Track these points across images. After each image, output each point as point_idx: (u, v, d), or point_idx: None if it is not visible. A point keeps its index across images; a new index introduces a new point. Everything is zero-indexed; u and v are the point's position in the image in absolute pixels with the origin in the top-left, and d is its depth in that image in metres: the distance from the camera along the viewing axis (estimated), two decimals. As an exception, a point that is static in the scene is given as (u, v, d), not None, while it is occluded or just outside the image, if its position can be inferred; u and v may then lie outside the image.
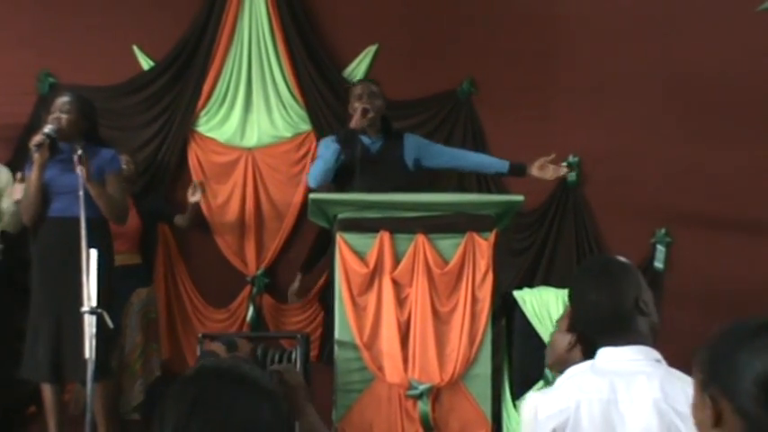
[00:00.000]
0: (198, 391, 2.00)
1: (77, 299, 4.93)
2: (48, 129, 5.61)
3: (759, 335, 1.89)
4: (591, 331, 2.97)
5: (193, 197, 6.82)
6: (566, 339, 3.34)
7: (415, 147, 6.21)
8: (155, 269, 6.89)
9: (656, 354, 2.92)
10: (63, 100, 5.75)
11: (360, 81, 6.56)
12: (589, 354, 3.19)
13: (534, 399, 3.26)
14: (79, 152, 5.42)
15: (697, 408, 1.96)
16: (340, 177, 6.10)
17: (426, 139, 6.43)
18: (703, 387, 1.92)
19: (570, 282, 3.18)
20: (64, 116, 5.66)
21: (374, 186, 5.82)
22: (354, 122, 6.03)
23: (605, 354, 2.92)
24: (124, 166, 6.30)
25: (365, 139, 6.12)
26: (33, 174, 5.64)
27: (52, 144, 5.56)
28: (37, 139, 5.58)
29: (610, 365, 2.90)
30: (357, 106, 6.08)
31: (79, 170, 5.39)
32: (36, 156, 5.57)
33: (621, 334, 2.92)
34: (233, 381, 2.03)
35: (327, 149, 6.06)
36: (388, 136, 6.20)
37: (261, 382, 2.06)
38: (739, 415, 1.85)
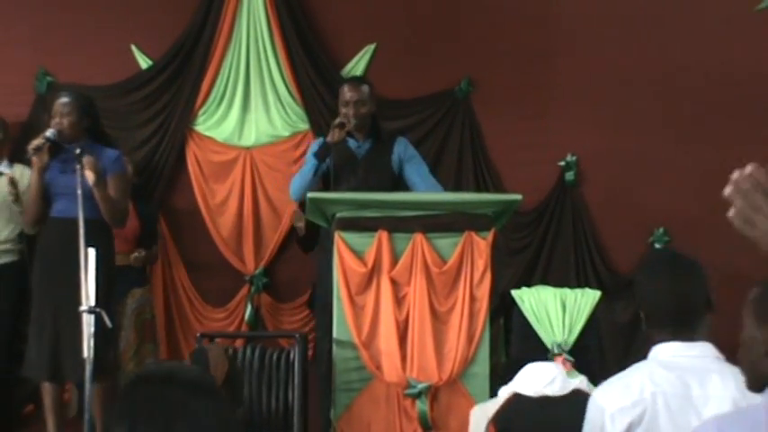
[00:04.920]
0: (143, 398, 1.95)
1: (76, 298, 4.93)
2: (48, 132, 5.57)
3: None
4: (655, 324, 2.91)
5: None
6: None
7: (403, 152, 6.08)
8: (152, 269, 6.89)
9: (717, 351, 2.87)
10: (62, 101, 5.65)
11: (350, 81, 6.25)
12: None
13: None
14: (77, 151, 5.41)
15: (753, 339, 2.27)
16: (326, 181, 6.01)
17: (415, 146, 6.28)
18: (760, 322, 2.26)
19: (638, 273, 3.11)
20: (65, 120, 5.60)
21: (358, 191, 5.77)
22: (330, 137, 5.88)
23: (670, 348, 2.86)
24: None
25: (352, 143, 6.04)
26: (33, 176, 5.63)
27: (53, 147, 5.54)
28: (35, 142, 5.55)
29: (676, 360, 2.84)
30: (343, 112, 5.95)
31: (79, 171, 5.38)
32: (35, 159, 5.56)
33: (688, 329, 2.87)
34: (180, 385, 1.98)
35: (308, 162, 5.98)
36: (377, 138, 6.10)
37: (205, 384, 2.04)
38: None
